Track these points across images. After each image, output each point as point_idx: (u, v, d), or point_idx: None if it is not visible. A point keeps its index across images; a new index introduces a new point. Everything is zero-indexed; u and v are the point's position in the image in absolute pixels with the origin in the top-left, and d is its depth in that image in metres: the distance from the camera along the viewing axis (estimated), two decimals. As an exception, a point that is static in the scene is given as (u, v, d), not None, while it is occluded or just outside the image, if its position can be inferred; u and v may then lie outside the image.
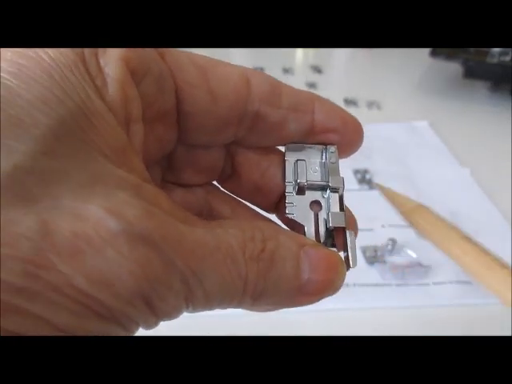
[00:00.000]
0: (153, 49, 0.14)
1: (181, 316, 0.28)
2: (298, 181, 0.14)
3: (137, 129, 0.11)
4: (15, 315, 0.10)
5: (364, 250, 0.37)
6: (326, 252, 0.13)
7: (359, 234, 0.41)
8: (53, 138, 0.09)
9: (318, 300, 0.13)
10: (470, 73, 0.62)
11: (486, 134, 0.55)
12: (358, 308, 0.33)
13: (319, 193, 0.14)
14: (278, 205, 0.15)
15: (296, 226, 0.13)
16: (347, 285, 0.34)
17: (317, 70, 0.75)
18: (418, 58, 0.74)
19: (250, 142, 0.14)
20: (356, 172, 0.47)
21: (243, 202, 0.15)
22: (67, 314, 0.10)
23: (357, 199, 0.44)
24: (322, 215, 0.14)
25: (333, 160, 0.14)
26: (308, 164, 0.14)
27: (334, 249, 0.13)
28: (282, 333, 0.31)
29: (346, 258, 0.14)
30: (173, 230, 0.10)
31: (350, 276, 0.36)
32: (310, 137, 0.14)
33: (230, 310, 0.34)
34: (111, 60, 0.12)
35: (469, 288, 0.34)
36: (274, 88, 0.14)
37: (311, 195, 0.14)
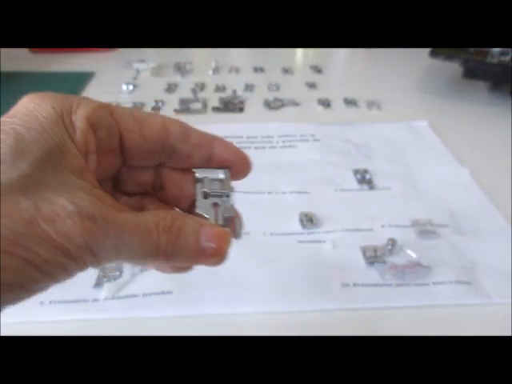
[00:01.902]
0: (106, 108, 0.20)
1: (180, 317, 0.28)
2: (204, 189, 0.21)
3: (92, 158, 0.19)
4: (10, 256, 0.15)
5: (364, 250, 0.37)
6: (219, 228, 0.19)
7: (359, 233, 0.41)
8: (41, 161, 0.17)
9: (214, 262, 0.19)
10: (470, 73, 0.62)
11: (486, 134, 0.55)
12: (357, 308, 0.33)
13: (218, 198, 0.21)
14: (190, 207, 0.22)
15: (202, 218, 0.20)
16: (347, 285, 0.34)
17: (317, 70, 0.76)
18: (418, 58, 0.74)
19: (171, 166, 0.22)
20: (356, 172, 0.47)
21: (167, 205, 0.23)
22: (45, 252, 0.16)
23: (357, 199, 0.44)
24: (220, 211, 0.21)
25: (226, 177, 0.21)
26: (210, 180, 0.21)
27: (228, 229, 0.20)
28: (282, 333, 0.31)
29: (234, 233, 0.21)
30: (109, 213, 0.17)
31: (350, 276, 0.36)
32: (212, 164, 0.22)
33: (229, 311, 0.34)
34: (79, 117, 0.19)
35: (469, 288, 0.34)
36: (185, 131, 0.21)
37: (212, 199, 0.21)
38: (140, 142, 0.20)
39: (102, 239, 0.17)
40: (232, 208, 0.21)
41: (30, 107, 0.18)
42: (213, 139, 0.21)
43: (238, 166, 0.22)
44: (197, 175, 0.22)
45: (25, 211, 0.15)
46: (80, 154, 0.18)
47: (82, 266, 0.17)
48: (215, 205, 0.21)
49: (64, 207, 0.16)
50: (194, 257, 0.19)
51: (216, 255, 0.19)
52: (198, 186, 0.21)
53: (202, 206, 0.20)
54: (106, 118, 0.19)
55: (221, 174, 0.21)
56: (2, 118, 0.18)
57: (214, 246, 0.19)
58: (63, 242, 0.16)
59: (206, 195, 0.21)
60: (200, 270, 0.35)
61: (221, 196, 0.21)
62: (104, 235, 0.17)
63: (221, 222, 0.20)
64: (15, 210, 0.15)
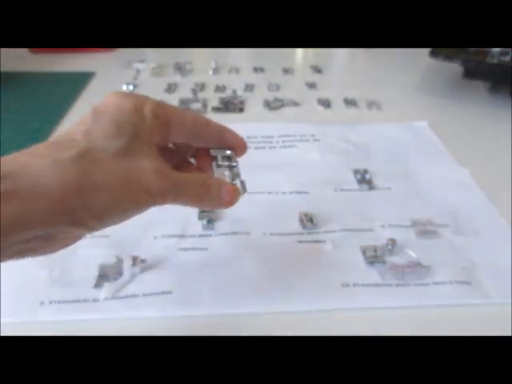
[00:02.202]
0: (161, 106, 0.28)
1: (180, 317, 0.28)
2: (218, 162, 0.30)
3: (155, 137, 0.27)
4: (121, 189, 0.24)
5: (364, 250, 0.37)
6: (232, 186, 0.29)
7: (359, 233, 0.42)
8: (130, 137, 0.25)
9: (227, 207, 0.29)
10: (470, 73, 0.62)
11: (486, 135, 0.55)
12: (357, 308, 0.33)
13: (227, 168, 0.30)
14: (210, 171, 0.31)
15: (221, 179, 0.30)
16: (347, 285, 0.34)
17: (317, 70, 0.76)
18: (418, 57, 0.74)
19: (195, 145, 0.31)
20: (356, 172, 0.47)
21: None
22: (138, 191, 0.24)
23: (357, 199, 0.44)
24: (229, 176, 0.30)
25: (232, 155, 0.31)
26: (221, 156, 0.30)
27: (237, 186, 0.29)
28: (282, 333, 0.31)
29: (239, 190, 0.29)
30: (171, 172, 0.26)
31: (350, 276, 0.36)
32: (222, 145, 0.30)
33: (229, 311, 0.34)
34: (147, 111, 0.27)
35: (469, 288, 0.34)
36: (207, 122, 0.30)
37: (223, 169, 0.30)
38: (179, 127, 0.28)
39: (168, 188, 0.25)
40: (238, 174, 0.30)
41: (118, 101, 0.26)
42: (224, 129, 0.30)
43: (239, 148, 0.31)
44: (212, 153, 0.31)
45: (124, 168, 0.24)
46: (149, 134, 0.26)
47: (156, 203, 0.25)
48: (227, 171, 0.30)
49: (147, 167, 0.25)
50: (216, 203, 0.28)
51: (229, 203, 0.28)
52: (214, 160, 0.30)
53: (217, 173, 0.30)
54: (161, 112, 0.27)
55: (228, 152, 0.31)
56: (101, 108, 0.26)
57: (229, 197, 0.28)
58: (148, 187, 0.24)
59: (219, 166, 0.30)
60: (200, 270, 0.36)
61: (229, 167, 0.30)
62: (170, 185, 0.25)
63: (232, 181, 0.30)
64: (119, 167, 0.24)
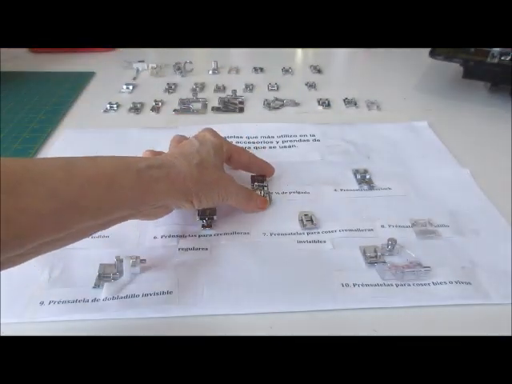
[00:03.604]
0: (229, 146, 0.43)
1: (180, 317, 0.28)
2: (256, 184, 0.45)
3: (223, 164, 0.42)
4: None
5: (364, 250, 0.37)
6: (264, 198, 0.43)
7: (359, 233, 0.42)
8: (218, 163, 0.40)
9: (261, 211, 0.42)
10: (470, 73, 0.62)
11: (486, 135, 0.55)
12: (357, 308, 0.33)
13: (262, 186, 0.45)
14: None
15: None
16: (347, 285, 0.34)
17: (317, 70, 0.76)
18: (418, 58, 0.74)
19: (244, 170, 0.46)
20: (356, 172, 0.47)
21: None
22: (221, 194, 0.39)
23: (357, 199, 0.44)
24: (263, 191, 0.44)
25: (264, 179, 0.46)
26: (258, 179, 0.46)
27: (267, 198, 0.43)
28: (282, 333, 0.31)
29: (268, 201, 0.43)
30: (235, 186, 0.41)
31: (350, 276, 0.36)
32: (259, 172, 0.47)
33: (229, 311, 0.34)
34: (225, 148, 0.42)
35: (469, 288, 0.34)
36: (254, 162, 0.46)
37: (260, 188, 0.45)
38: (237, 162, 0.45)
39: (234, 192, 0.40)
40: (267, 191, 0.44)
41: (211, 138, 0.41)
42: (265, 165, 0.46)
43: (269, 174, 0.46)
44: (251, 179, 0.46)
45: (217, 175, 0.39)
46: (224, 161, 0.42)
47: (227, 198, 0.39)
48: (261, 189, 0.44)
49: (227, 177, 0.40)
50: (254, 208, 0.42)
51: (262, 208, 0.42)
52: (252, 181, 0.45)
53: (255, 189, 0.44)
54: (229, 151, 0.43)
55: (261, 177, 0.46)
56: (202, 138, 0.41)
57: (262, 205, 0.42)
58: (227, 188, 0.39)
59: (256, 186, 0.45)
60: (200, 270, 0.35)
61: (262, 187, 0.45)
62: (235, 190, 0.40)
63: (263, 195, 0.44)
64: (216, 174, 0.39)
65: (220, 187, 0.38)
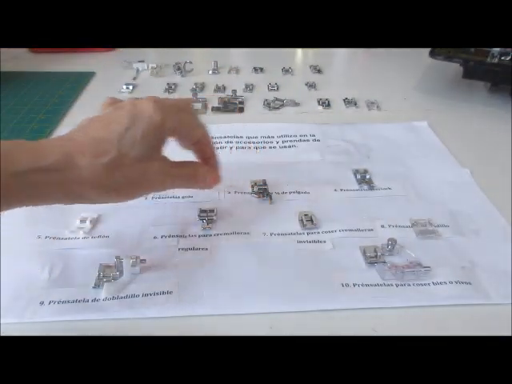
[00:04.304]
0: (186, 124, 0.34)
1: (180, 317, 0.28)
2: (255, 188, 0.44)
3: (164, 146, 0.33)
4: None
5: (364, 250, 0.37)
6: (216, 175, 0.37)
7: (359, 233, 0.41)
8: (149, 147, 0.31)
9: (211, 188, 0.37)
10: (470, 73, 0.62)
11: (486, 135, 0.55)
12: (357, 308, 0.33)
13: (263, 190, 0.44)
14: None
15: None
16: (347, 285, 0.34)
17: (317, 70, 0.76)
18: (418, 58, 0.74)
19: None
20: (356, 172, 0.47)
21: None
22: (150, 181, 0.32)
23: (357, 199, 0.44)
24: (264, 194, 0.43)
25: (265, 182, 0.46)
26: (258, 184, 0.45)
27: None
28: (282, 333, 0.31)
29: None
30: (171, 170, 0.34)
31: (350, 276, 0.36)
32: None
33: (229, 311, 0.34)
34: (168, 126, 0.32)
35: (469, 288, 0.34)
36: (205, 146, 0.37)
37: (260, 193, 0.44)
38: (186, 142, 0.36)
39: (168, 182, 0.33)
40: (268, 192, 0.44)
41: (150, 113, 0.31)
42: (211, 157, 0.37)
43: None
44: (251, 183, 0.45)
45: (140, 169, 0.30)
46: (162, 144, 0.33)
47: (157, 191, 0.34)
48: (261, 195, 0.44)
49: (157, 169, 0.32)
50: (203, 187, 0.36)
51: (213, 186, 0.37)
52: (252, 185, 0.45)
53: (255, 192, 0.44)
54: (178, 128, 0.34)
55: (262, 181, 0.45)
56: (137, 113, 0.30)
57: (213, 182, 0.36)
58: (153, 183, 0.32)
59: (256, 192, 0.44)
60: (200, 270, 0.35)
61: (263, 190, 0.44)
62: (169, 180, 0.33)
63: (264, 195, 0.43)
64: (137, 170, 0.30)
65: (138, 188, 0.32)
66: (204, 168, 0.36)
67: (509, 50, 0.59)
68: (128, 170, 0.30)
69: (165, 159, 0.33)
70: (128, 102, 0.32)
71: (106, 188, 0.29)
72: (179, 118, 0.33)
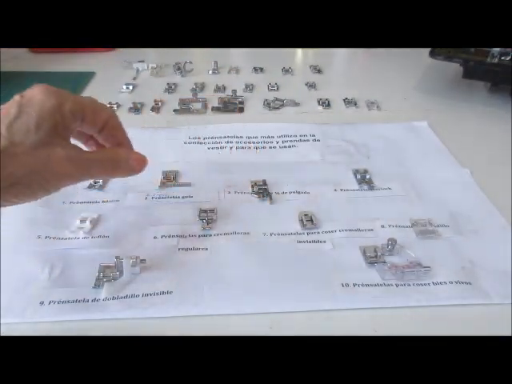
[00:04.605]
0: (87, 106, 0.31)
1: (180, 317, 0.27)
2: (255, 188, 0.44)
3: (69, 131, 0.30)
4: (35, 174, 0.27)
5: (364, 250, 0.37)
6: (139, 155, 0.32)
7: (359, 233, 0.41)
8: (49, 131, 0.28)
9: (137, 173, 0.32)
10: (470, 73, 0.62)
11: (486, 135, 0.55)
12: (357, 308, 0.33)
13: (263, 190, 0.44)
14: None
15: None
16: (347, 285, 0.34)
17: (317, 70, 0.76)
18: (418, 58, 0.74)
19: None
20: (356, 172, 0.47)
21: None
22: (52, 172, 0.29)
23: (357, 199, 0.44)
24: (264, 194, 0.43)
25: (266, 183, 0.46)
26: (258, 184, 0.45)
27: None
28: (282, 333, 0.31)
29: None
30: (81, 155, 0.29)
31: (350, 276, 0.36)
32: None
33: (229, 311, 0.34)
34: (67, 109, 0.29)
35: (469, 288, 0.34)
36: (115, 130, 0.34)
37: (260, 193, 0.43)
38: (91, 126, 0.32)
39: (80, 169, 0.29)
40: (268, 192, 0.44)
41: (41, 98, 0.28)
42: (124, 142, 0.34)
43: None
44: (251, 182, 0.45)
45: (40, 158, 0.27)
46: (64, 129, 0.29)
47: (70, 183, 0.30)
48: (261, 195, 0.44)
49: (61, 155, 0.28)
50: (128, 171, 0.32)
51: (139, 169, 0.32)
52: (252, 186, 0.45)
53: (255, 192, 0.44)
54: (79, 110, 0.30)
55: (262, 181, 0.45)
56: (25, 102, 0.28)
57: (138, 165, 0.32)
58: (61, 172, 0.28)
59: (256, 191, 0.44)
60: (200, 270, 0.35)
61: (264, 190, 0.44)
62: (82, 167, 0.29)
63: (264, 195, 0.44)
64: (35, 159, 0.27)
65: (42, 178, 0.28)
66: (125, 150, 0.32)
67: (509, 49, 0.59)
68: (25, 159, 0.26)
69: (74, 147, 0.30)
70: (17, 95, 0.29)
71: (3, 182, 0.26)
72: (80, 101, 0.30)
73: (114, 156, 0.31)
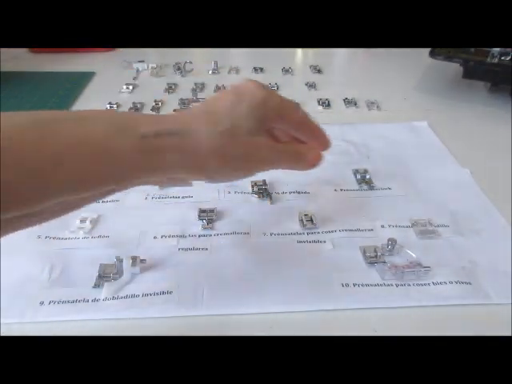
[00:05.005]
0: (287, 106, 0.33)
1: (180, 317, 0.27)
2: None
3: (269, 124, 0.32)
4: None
5: (364, 250, 0.37)
6: (318, 152, 0.34)
7: (359, 233, 0.41)
8: (257, 122, 0.30)
9: (313, 168, 0.34)
10: (470, 73, 0.62)
11: (486, 135, 0.55)
12: (357, 308, 0.33)
13: None
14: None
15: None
16: (347, 285, 0.34)
17: (317, 69, 0.76)
18: (418, 58, 0.74)
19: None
20: (356, 172, 0.47)
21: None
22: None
23: (357, 199, 0.44)
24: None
25: None
26: None
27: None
28: (282, 333, 0.31)
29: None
30: (277, 145, 0.33)
31: (350, 276, 0.36)
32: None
33: (229, 311, 0.34)
34: (271, 105, 0.32)
35: (469, 288, 0.34)
36: (307, 126, 0.35)
37: None
38: (287, 124, 0.33)
39: (275, 157, 0.32)
40: (267, 190, 0.44)
41: (253, 91, 0.31)
42: (317, 130, 0.36)
43: (323, 145, 0.36)
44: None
45: (250, 143, 0.30)
46: (266, 121, 0.31)
47: (267, 169, 0.32)
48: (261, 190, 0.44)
49: (264, 143, 0.31)
50: (306, 166, 0.34)
51: (315, 165, 0.34)
52: None
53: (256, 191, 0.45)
54: (279, 109, 0.32)
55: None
56: (241, 90, 0.31)
57: (315, 160, 0.34)
58: (263, 158, 0.31)
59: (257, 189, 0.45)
60: (200, 270, 0.35)
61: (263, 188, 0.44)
62: (276, 155, 0.32)
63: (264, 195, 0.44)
64: (247, 142, 0.30)
65: (251, 161, 0.31)
66: (305, 146, 0.35)
67: (509, 49, 0.59)
68: (242, 142, 0.30)
69: (271, 138, 0.33)
70: (231, 86, 0.32)
71: (224, 158, 0.29)
72: (280, 99, 0.33)
73: (298, 150, 0.34)
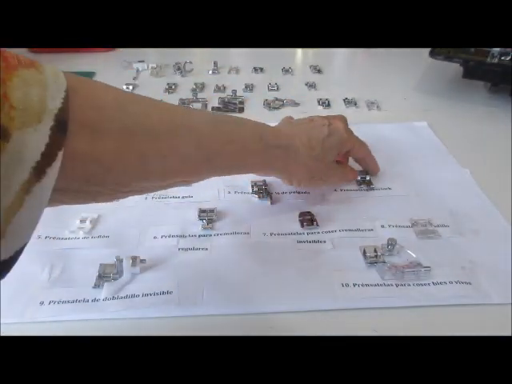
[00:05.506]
0: (358, 147, 0.45)
1: (180, 317, 0.27)
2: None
3: (338, 155, 0.44)
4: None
5: (364, 250, 0.37)
6: (352, 169, 0.45)
7: (359, 233, 0.41)
8: (333, 155, 0.42)
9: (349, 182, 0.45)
10: (470, 73, 0.62)
11: (486, 135, 0.55)
12: (357, 308, 0.33)
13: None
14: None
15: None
16: (347, 285, 0.34)
17: (317, 69, 0.76)
18: (418, 58, 0.74)
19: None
20: (356, 172, 0.47)
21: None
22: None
23: (357, 199, 0.44)
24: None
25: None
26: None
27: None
28: (282, 333, 0.31)
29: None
30: (336, 169, 0.44)
31: (350, 276, 0.36)
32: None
33: (229, 311, 0.34)
34: (349, 146, 0.44)
35: (469, 288, 0.34)
36: (367, 156, 0.47)
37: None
38: (353, 156, 0.46)
39: (328, 184, 0.43)
40: (267, 190, 0.44)
41: (341, 133, 0.41)
42: (374, 163, 0.47)
43: (373, 173, 0.47)
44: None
45: (331, 166, 0.42)
46: (338, 155, 0.42)
47: (332, 184, 0.45)
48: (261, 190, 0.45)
49: (335, 173, 0.43)
50: (346, 182, 0.45)
51: (352, 180, 0.45)
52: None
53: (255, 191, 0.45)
54: (351, 148, 0.43)
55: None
56: (333, 128, 0.41)
57: (353, 178, 0.45)
58: (334, 179, 0.44)
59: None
60: (200, 270, 0.35)
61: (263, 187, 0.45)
62: (331, 183, 0.44)
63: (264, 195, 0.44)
64: (329, 165, 0.42)
65: (323, 180, 0.41)
66: (348, 167, 0.45)
67: (509, 49, 0.59)
68: (325, 165, 0.40)
69: (333, 162, 0.42)
70: (323, 117, 0.41)
71: (310, 173, 0.39)
72: (356, 139, 0.43)
73: (345, 171, 0.44)
